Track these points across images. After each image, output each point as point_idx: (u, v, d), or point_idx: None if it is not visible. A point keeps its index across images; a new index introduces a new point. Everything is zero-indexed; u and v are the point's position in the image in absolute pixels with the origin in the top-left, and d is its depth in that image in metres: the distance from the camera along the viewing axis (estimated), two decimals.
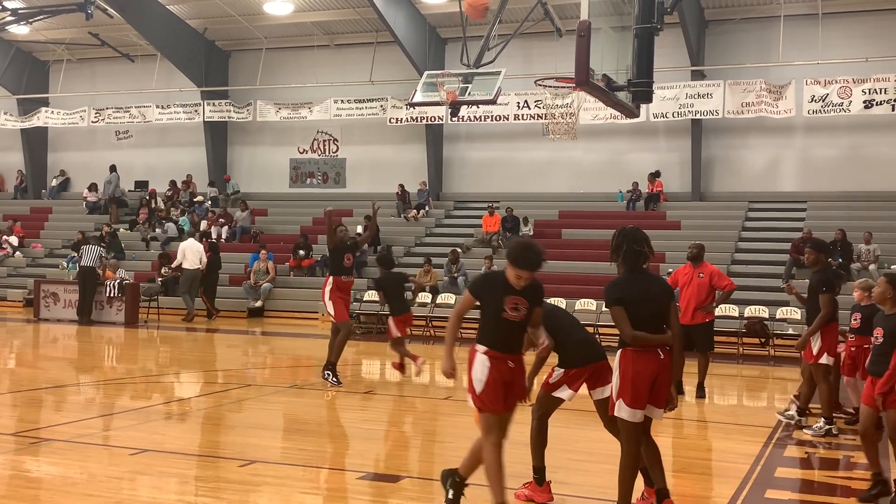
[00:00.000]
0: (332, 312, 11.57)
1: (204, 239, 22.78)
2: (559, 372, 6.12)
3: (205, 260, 21.36)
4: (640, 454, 5.44)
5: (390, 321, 12.27)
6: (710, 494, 6.70)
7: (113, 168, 28.51)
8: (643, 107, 21.57)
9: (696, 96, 22.86)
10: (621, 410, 5.39)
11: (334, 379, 11.25)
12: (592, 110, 21.91)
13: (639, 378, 5.33)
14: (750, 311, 17.60)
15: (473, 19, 9.82)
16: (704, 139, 23.93)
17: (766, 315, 17.43)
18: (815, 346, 8.73)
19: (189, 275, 21.11)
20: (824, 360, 8.71)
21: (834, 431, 8.78)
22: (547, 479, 6.18)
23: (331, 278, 11.72)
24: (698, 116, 23.14)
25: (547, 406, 6.24)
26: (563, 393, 6.10)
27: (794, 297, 9.93)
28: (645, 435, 5.52)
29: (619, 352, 5.47)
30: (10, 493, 6.19)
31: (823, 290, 8.71)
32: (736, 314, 17.57)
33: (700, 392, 11.08)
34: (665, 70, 22.80)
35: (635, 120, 21.29)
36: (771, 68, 22.65)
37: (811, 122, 22.80)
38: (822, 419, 8.84)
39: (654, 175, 23.96)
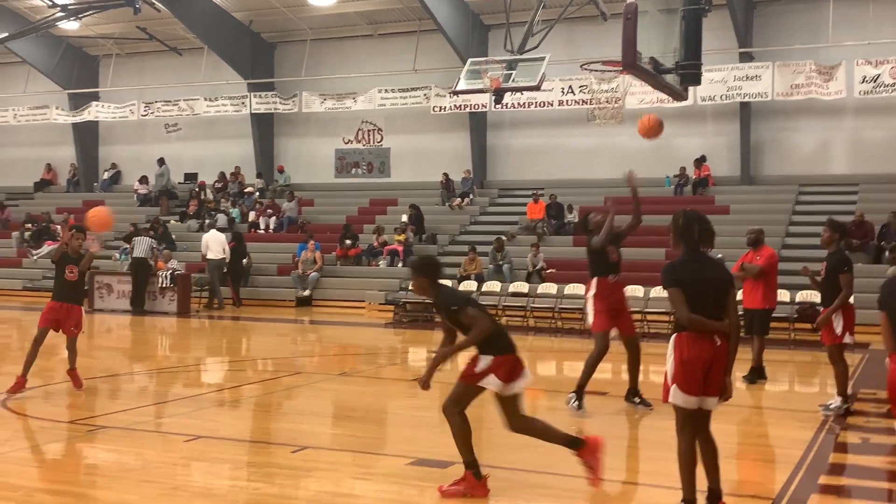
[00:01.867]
0: (589, 321, 9.27)
1: (237, 225, 23.13)
2: (487, 359, 5.89)
3: (228, 249, 21.87)
4: (694, 442, 5.30)
5: None
6: (762, 480, 6.64)
7: (161, 161, 28.91)
8: (690, 90, 21.42)
9: (744, 79, 22.53)
10: (676, 397, 5.25)
11: (575, 403, 8.96)
12: (639, 94, 21.69)
13: (693, 364, 5.18)
14: (802, 296, 17.33)
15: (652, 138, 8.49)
16: (753, 122, 23.58)
17: (819, 300, 17.13)
18: (838, 326, 8.76)
19: (213, 264, 21.60)
20: (847, 339, 8.81)
21: (851, 410, 8.90)
22: (484, 474, 5.97)
23: (594, 281, 9.15)
24: (747, 99, 22.80)
25: (469, 398, 6.04)
26: (489, 382, 5.87)
27: (809, 278, 9.96)
28: (703, 430, 5.35)
29: (673, 336, 5.33)
30: (68, 479, 6.35)
31: (845, 269, 8.74)
32: (788, 299, 17.31)
33: (754, 376, 11.07)
34: (712, 52, 22.45)
35: (682, 104, 21.05)
36: (820, 49, 22.23)
37: (862, 103, 22.33)
38: (838, 397, 8.92)
39: (701, 160, 23.69)
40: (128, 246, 22.93)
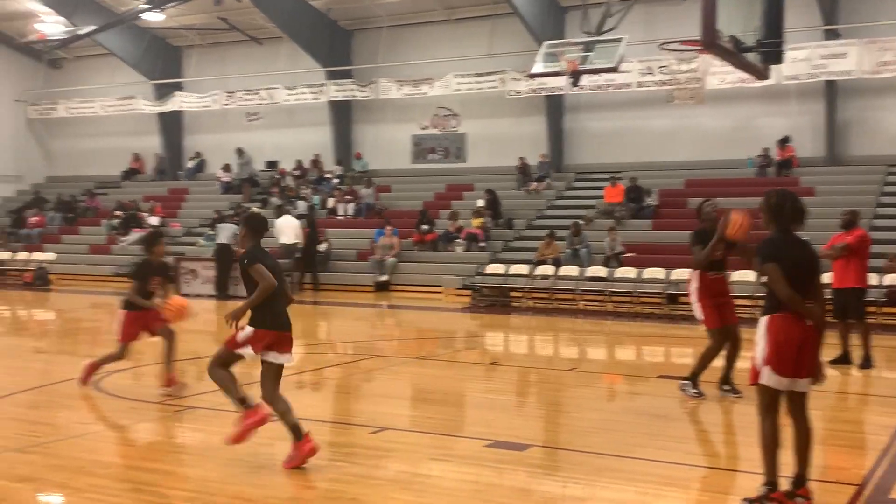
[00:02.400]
0: (700, 317, 8.83)
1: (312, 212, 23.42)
2: (249, 331, 6.23)
3: (300, 235, 22.22)
4: (779, 424, 5.25)
5: None
6: (848, 466, 6.51)
7: (241, 150, 29.42)
8: (773, 69, 20.90)
9: (829, 56, 21.86)
10: (769, 378, 5.19)
11: (693, 391, 8.70)
12: (719, 74, 21.27)
13: (787, 345, 5.15)
14: (891, 279, 16.84)
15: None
16: (839, 101, 22.89)
17: None
18: None
19: (286, 249, 21.94)
20: None
21: None
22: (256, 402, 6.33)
23: (696, 274, 8.79)
24: (832, 78, 22.13)
25: (227, 360, 6.48)
26: (246, 351, 6.28)
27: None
28: (800, 414, 5.30)
29: (764, 318, 5.27)
30: (157, 457, 6.59)
31: None
32: (875, 282, 16.83)
33: (867, 362, 10.88)
34: (796, 30, 21.85)
35: (765, 83, 20.58)
36: None
37: None
38: None
39: (784, 140, 23.13)
40: (212, 232, 23.50)
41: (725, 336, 8.65)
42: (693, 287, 8.79)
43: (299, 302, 20.62)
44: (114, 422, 7.49)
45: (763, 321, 5.28)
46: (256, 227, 6.49)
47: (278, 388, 6.32)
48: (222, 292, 20.93)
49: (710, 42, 7.35)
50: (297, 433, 6.21)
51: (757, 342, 5.30)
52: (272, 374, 6.31)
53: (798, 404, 5.32)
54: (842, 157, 23.15)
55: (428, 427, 7.67)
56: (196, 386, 8.82)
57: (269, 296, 6.18)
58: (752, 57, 8.53)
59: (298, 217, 23.88)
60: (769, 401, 5.27)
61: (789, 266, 5.22)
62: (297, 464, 6.14)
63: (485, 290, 20.09)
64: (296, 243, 22.24)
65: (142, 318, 8.86)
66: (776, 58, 8.46)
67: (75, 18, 27.39)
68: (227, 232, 21.30)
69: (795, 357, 5.18)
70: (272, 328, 6.25)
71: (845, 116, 23.09)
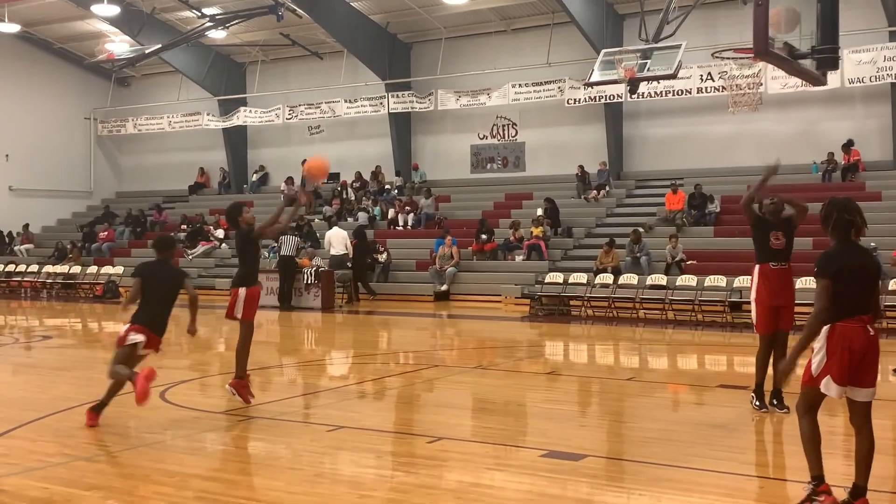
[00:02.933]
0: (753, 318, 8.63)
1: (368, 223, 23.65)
2: (126, 327, 7.90)
3: (349, 246, 22.68)
4: (817, 423, 5.30)
5: None
6: None
7: (304, 162, 29.86)
8: (838, 73, 20.53)
9: (894, 58, 21.40)
10: (827, 387, 5.19)
11: (756, 404, 8.38)
12: (781, 79, 21.03)
13: (849, 354, 5.15)
14: None
15: None
16: None
17: None
18: None
19: (336, 260, 22.42)
20: None
21: None
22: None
23: (756, 269, 8.49)
24: None
25: (128, 357, 7.85)
26: (135, 338, 7.84)
27: None
28: (864, 424, 5.28)
29: (826, 327, 5.25)
30: (222, 466, 6.78)
31: None
32: None
33: None
34: (860, 32, 21.51)
35: (829, 87, 20.26)
36: None
37: None
38: None
39: (848, 144, 22.67)
40: (276, 244, 23.89)
41: (772, 343, 8.27)
42: (753, 285, 8.46)
43: (360, 313, 20.88)
44: (179, 431, 7.71)
45: (825, 329, 5.27)
46: (157, 246, 8.35)
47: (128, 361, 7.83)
48: (286, 303, 21.27)
49: (763, 50, 7.32)
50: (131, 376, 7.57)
51: (817, 348, 5.28)
52: (129, 352, 7.88)
53: (860, 414, 5.31)
54: None
55: (484, 437, 7.73)
56: (259, 396, 9.00)
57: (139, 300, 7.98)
58: (807, 63, 8.45)
59: (361, 229, 24.22)
60: (812, 403, 5.32)
61: (851, 276, 5.22)
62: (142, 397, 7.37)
63: (544, 300, 20.07)
64: (345, 254, 22.57)
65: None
66: (832, 64, 8.35)
67: (142, 38, 28.16)
68: (289, 244, 21.66)
69: (857, 366, 5.18)
70: (139, 322, 7.92)
71: None
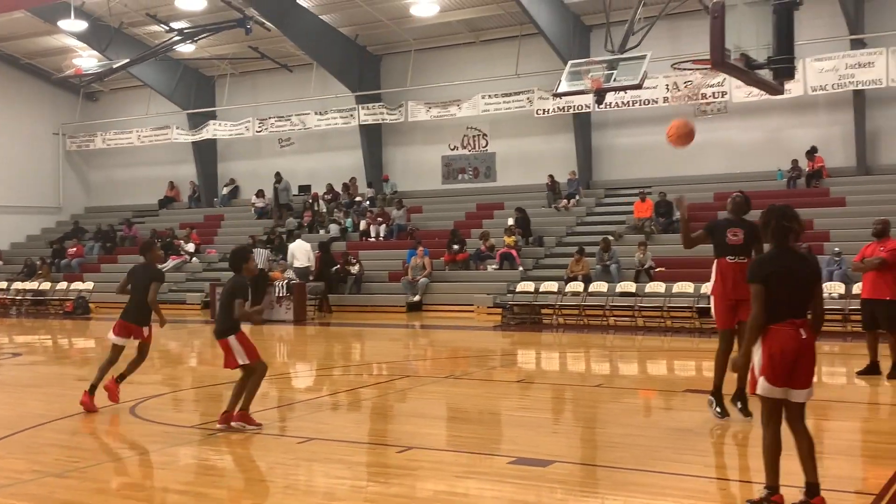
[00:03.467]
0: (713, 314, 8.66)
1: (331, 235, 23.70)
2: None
3: (313, 258, 22.76)
4: (779, 433, 5.41)
5: None
6: (867, 476, 6.56)
7: (279, 175, 29.87)
8: (801, 81, 20.86)
9: (856, 66, 21.81)
10: (763, 388, 5.35)
11: (717, 409, 8.33)
12: (745, 88, 21.26)
13: (781, 356, 5.30)
14: None
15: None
16: (868, 110, 22.81)
17: None
18: None
19: (299, 273, 22.48)
20: None
21: None
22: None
23: (714, 264, 8.46)
24: (860, 87, 22.07)
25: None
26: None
27: None
28: (798, 424, 5.43)
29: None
30: (194, 480, 6.81)
31: None
32: None
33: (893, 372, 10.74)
34: (822, 41, 21.91)
35: (792, 95, 20.61)
36: None
37: None
38: None
39: (812, 151, 23.05)
40: None
41: (732, 340, 8.16)
42: (711, 281, 8.39)
43: (332, 325, 20.90)
44: (150, 446, 7.72)
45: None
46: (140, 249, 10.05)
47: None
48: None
49: (720, 61, 7.48)
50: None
51: (754, 352, 5.45)
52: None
53: (795, 414, 5.44)
54: (872, 167, 23.03)
55: (455, 445, 7.82)
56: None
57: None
58: (765, 73, 8.63)
59: (334, 240, 24.27)
60: (769, 410, 5.43)
61: (780, 281, 5.36)
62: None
63: (516, 308, 20.21)
64: (308, 267, 22.62)
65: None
66: (788, 73, 8.56)
67: (109, 52, 28.03)
68: (260, 257, 21.65)
69: (790, 368, 5.32)
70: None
71: (875, 125, 22.98)
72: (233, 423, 8.17)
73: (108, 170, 35.24)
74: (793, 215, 5.52)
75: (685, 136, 8.55)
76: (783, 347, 5.32)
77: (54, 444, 7.71)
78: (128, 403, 9.52)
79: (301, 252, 22.86)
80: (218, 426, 8.17)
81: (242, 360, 8.32)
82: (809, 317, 5.47)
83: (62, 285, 27.02)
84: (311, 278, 22.81)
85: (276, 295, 21.57)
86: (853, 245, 19.28)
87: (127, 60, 27.08)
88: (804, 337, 5.34)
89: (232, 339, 8.37)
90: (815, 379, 5.53)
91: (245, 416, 8.26)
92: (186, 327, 21.52)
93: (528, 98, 26.13)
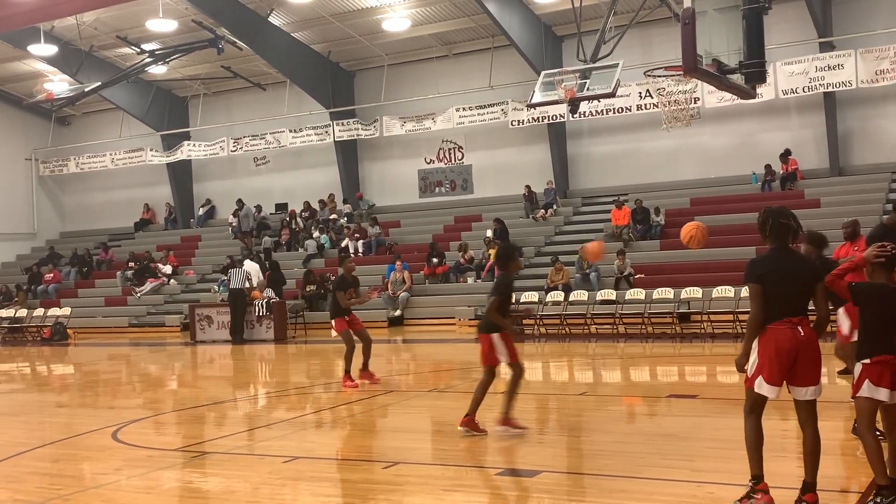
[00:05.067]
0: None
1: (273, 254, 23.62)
2: None
3: (262, 278, 22.56)
4: (760, 424, 5.49)
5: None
6: (853, 475, 6.59)
7: (240, 202, 29.75)
8: (772, 85, 21.06)
9: (826, 68, 22.08)
10: (760, 386, 5.41)
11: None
12: (717, 93, 21.47)
13: (778, 355, 5.35)
14: None
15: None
16: (839, 112, 23.07)
17: None
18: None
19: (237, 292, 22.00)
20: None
21: None
22: None
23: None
24: (830, 89, 22.33)
25: None
26: None
27: None
28: (809, 421, 5.47)
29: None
30: (174, 503, 6.73)
31: None
32: None
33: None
34: (791, 45, 22.14)
35: (763, 99, 20.81)
36: None
37: None
38: None
39: (786, 154, 23.28)
40: (225, 277, 23.76)
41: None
42: None
43: (314, 342, 20.80)
44: (133, 471, 7.64)
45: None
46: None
47: None
48: (237, 337, 21.12)
49: (692, 67, 7.54)
50: None
51: (753, 351, 5.49)
52: None
53: (804, 412, 5.49)
54: (845, 168, 23.27)
55: (441, 459, 7.78)
56: (213, 431, 8.95)
57: None
58: (736, 78, 8.71)
59: (312, 257, 24.11)
60: (752, 404, 5.52)
61: (778, 281, 5.40)
62: None
63: None
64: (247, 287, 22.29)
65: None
66: (760, 77, 8.64)
67: (81, 76, 27.91)
68: (239, 277, 21.53)
69: (788, 367, 5.36)
70: None
71: (846, 127, 23.23)
72: (498, 428, 8.32)
73: (83, 194, 35.00)
74: (790, 213, 5.57)
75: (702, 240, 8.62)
76: (779, 346, 5.36)
77: (35, 472, 7.61)
78: (110, 429, 9.42)
79: (252, 272, 22.50)
80: (498, 428, 8.34)
81: (504, 358, 8.49)
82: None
83: (39, 312, 26.75)
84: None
85: (256, 314, 21.46)
86: (829, 246, 19.48)
87: (98, 84, 26.97)
88: (802, 335, 5.37)
89: (495, 337, 8.48)
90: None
91: (470, 423, 8.41)
92: (166, 350, 21.36)
93: (502, 109, 26.24)
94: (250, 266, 22.87)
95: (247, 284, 21.46)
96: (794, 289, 5.43)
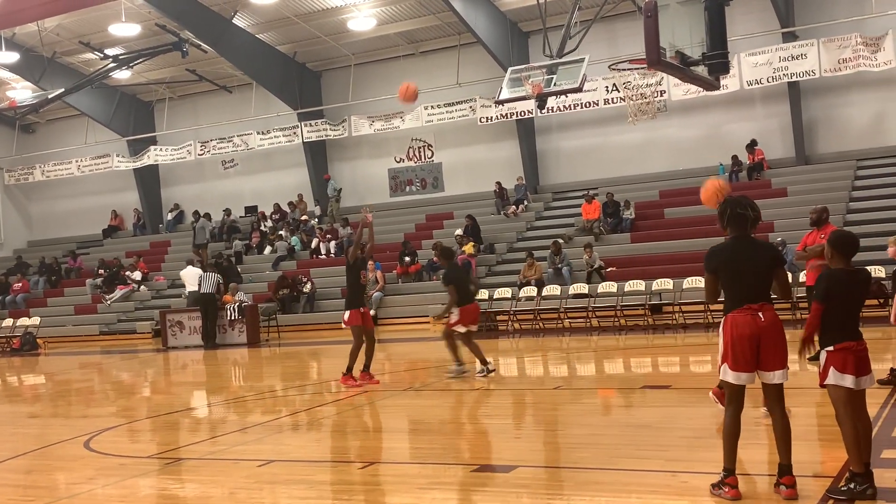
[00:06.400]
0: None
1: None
2: None
3: (212, 284, 21.94)
4: (738, 417, 5.54)
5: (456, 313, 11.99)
6: (824, 459, 6.67)
7: (197, 214, 29.54)
8: (736, 76, 21.24)
9: (789, 58, 22.31)
10: (726, 374, 5.50)
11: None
12: (683, 86, 21.63)
13: (739, 342, 5.41)
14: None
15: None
16: (804, 101, 23.32)
17: (883, 275, 16.84)
18: None
19: (192, 298, 21.97)
20: None
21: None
22: None
23: None
24: (794, 79, 22.58)
25: None
26: None
27: None
28: (776, 406, 5.54)
29: (723, 318, 5.57)
30: None
31: None
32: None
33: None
34: (755, 35, 22.34)
35: (729, 90, 20.98)
36: (865, 21, 21.92)
37: None
38: None
39: (752, 144, 23.50)
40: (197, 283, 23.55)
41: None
42: None
43: (287, 344, 20.71)
44: (108, 479, 7.56)
45: (722, 321, 5.59)
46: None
47: None
48: (209, 342, 20.97)
49: (655, 60, 7.59)
50: None
51: (719, 339, 5.59)
52: None
53: (771, 396, 5.57)
54: (811, 156, 23.54)
55: (417, 457, 7.77)
56: (187, 437, 8.89)
57: None
58: (700, 69, 8.77)
59: (282, 259, 23.96)
60: (729, 394, 5.59)
61: (736, 269, 5.51)
62: None
63: None
64: (194, 291, 21.99)
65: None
66: (723, 68, 8.71)
67: (44, 83, 27.60)
68: (210, 281, 21.38)
69: (752, 353, 5.42)
70: None
71: (811, 116, 23.50)
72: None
73: (50, 202, 34.62)
74: (747, 203, 5.65)
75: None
76: (740, 333, 5.42)
77: (8, 483, 7.52)
78: (82, 438, 9.32)
79: (191, 277, 22.26)
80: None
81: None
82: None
83: (8, 322, 26.42)
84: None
85: (228, 318, 21.32)
86: (797, 234, 19.60)
87: (62, 90, 26.66)
88: (763, 320, 5.42)
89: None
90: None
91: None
92: (138, 357, 21.17)
93: (470, 107, 26.26)
94: (192, 271, 22.42)
95: (211, 290, 21.22)
96: (752, 276, 5.50)
